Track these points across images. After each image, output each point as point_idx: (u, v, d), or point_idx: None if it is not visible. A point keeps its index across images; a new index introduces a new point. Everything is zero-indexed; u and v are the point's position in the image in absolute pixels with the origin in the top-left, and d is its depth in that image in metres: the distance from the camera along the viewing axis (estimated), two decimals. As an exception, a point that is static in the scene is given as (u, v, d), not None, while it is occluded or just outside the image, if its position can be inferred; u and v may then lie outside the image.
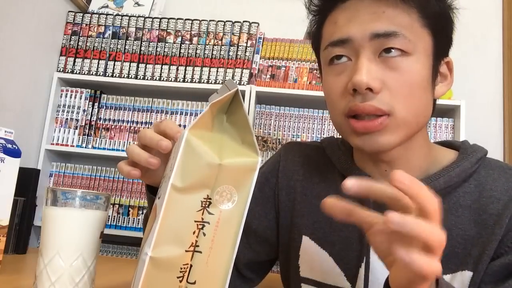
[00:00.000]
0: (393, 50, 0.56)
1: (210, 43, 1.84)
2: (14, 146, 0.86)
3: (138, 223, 1.76)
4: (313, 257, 0.69)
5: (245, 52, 1.81)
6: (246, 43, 1.82)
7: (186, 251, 0.42)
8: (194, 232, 0.42)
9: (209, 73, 1.80)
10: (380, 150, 0.59)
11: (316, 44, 0.67)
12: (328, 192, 0.69)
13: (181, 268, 0.42)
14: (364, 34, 0.57)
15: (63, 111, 1.84)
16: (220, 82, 1.78)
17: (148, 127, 1.93)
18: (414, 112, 0.58)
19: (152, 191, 0.61)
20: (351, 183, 0.42)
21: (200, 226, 0.42)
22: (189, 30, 1.86)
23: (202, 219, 0.42)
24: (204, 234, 0.42)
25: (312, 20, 0.67)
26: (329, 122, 1.73)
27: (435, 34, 0.59)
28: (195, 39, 1.85)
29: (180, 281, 0.42)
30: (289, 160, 0.75)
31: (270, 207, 0.74)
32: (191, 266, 0.42)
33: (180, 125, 1.77)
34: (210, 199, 0.43)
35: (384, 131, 0.57)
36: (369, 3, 0.58)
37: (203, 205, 0.43)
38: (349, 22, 0.58)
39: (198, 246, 0.42)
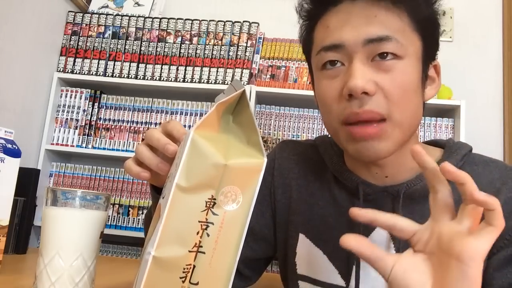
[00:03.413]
0: (386, 55, 0.57)
1: (210, 43, 1.84)
2: (14, 146, 0.86)
3: (138, 223, 1.76)
4: (309, 255, 0.70)
5: (245, 52, 1.81)
6: (246, 43, 1.82)
7: (190, 251, 0.42)
8: (198, 233, 0.42)
9: (209, 73, 1.80)
10: (376, 158, 0.59)
11: (307, 49, 0.66)
12: (322, 191, 0.71)
13: (184, 269, 0.41)
14: (357, 40, 0.57)
15: (63, 111, 1.84)
16: (220, 82, 1.78)
17: (148, 127, 1.93)
18: (409, 115, 0.58)
19: (157, 190, 0.61)
20: (357, 212, 0.47)
21: (204, 227, 0.42)
22: (189, 30, 1.86)
23: (206, 219, 0.42)
24: (208, 235, 0.42)
25: (303, 25, 0.67)
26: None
27: (424, 38, 0.60)
28: (195, 39, 1.85)
29: (183, 282, 0.42)
30: (284, 158, 0.76)
31: (267, 205, 0.75)
32: (194, 266, 0.42)
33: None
34: (214, 199, 0.42)
35: (381, 137, 0.57)
36: (361, 7, 0.58)
37: (208, 205, 0.42)
38: (342, 26, 0.58)
39: (201, 246, 0.42)
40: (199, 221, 0.42)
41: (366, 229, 0.64)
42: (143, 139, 0.55)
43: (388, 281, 0.45)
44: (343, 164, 0.68)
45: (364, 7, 0.58)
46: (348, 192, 0.68)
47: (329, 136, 0.74)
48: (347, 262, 0.66)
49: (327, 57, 0.59)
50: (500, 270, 0.58)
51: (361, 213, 0.47)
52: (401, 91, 0.57)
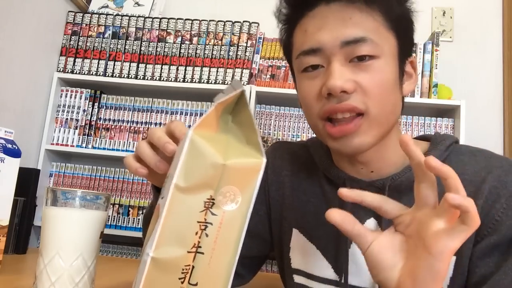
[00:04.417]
0: (363, 57, 0.59)
1: (210, 43, 1.84)
2: (14, 146, 0.86)
3: (138, 223, 1.76)
4: (303, 250, 0.72)
5: (245, 52, 1.81)
6: (246, 43, 1.82)
7: (188, 252, 0.42)
8: (196, 233, 0.42)
9: (209, 73, 1.80)
10: (356, 152, 0.62)
11: (288, 52, 0.68)
12: (313, 188, 0.73)
13: (183, 269, 0.41)
14: (334, 42, 0.59)
15: (63, 111, 1.84)
16: (220, 82, 1.78)
17: (148, 127, 1.93)
18: (386, 110, 0.60)
19: (159, 191, 0.61)
20: (345, 193, 0.50)
21: (202, 227, 0.42)
22: (189, 30, 1.86)
23: (205, 219, 0.42)
24: (207, 235, 0.42)
25: (282, 29, 0.69)
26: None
27: (399, 36, 0.62)
28: (195, 39, 1.85)
29: (182, 283, 0.42)
30: (278, 157, 0.79)
31: (261, 202, 0.77)
32: (193, 267, 0.42)
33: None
34: (213, 199, 0.42)
35: (358, 132, 0.59)
36: (336, 10, 0.60)
37: (206, 205, 0.42)
38: (319, 30, 0.60)
39: (200, 247, 0.42)
40: (197, 222, 0.42)
41: None
42: (145, 137, 0.56)
43: (365, 255, 0.49)
44: (331, 162, 0.71)
45: (339, 10, 0.60)
46: (337, 188, 0.69)
47: None
48: (339, 257, 0.68)
49: (307, 61, 0.62)
50: (482, 259, 0.60)
51: (348, 194, 0.50)
52: (379, 89, 0.59)
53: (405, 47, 0.64)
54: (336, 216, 0.49)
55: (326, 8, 0.60)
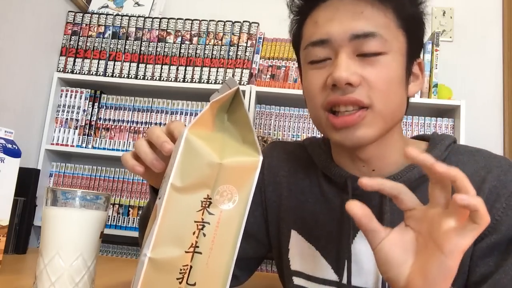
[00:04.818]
0: (371, 53, 0.59)
1: (210, 43, 1.84)
2: (14, 146, 0.86)
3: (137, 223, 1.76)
4: (302, 251, 0.71)
5: (245, 52, 1.81)
6: (246, 43, 1.82)
7: (186, 252, 0.42)
8: (194, 233, 0.42)
9: (209, 73, 1.80)
10: (358, 144, 0.61)
11: (296, 43, 0.68)
12: (312, 188, 0.73)
13: (180, 269, 0.41)
14: (343, 35, 0.59)
15: (63, 111, 1.84)
16: (220, 82, 1.78)
17: (148, 127, 1.93)
18: (391, 106, 0.60)
19: (156, 192, 0.61)
20: (366, 182, 0.48)
21: (200, 227, 0.42)
22: (189, 30, 1.86)
23: (202, 219, 0.42)
24: (204, 235, 0.42)
25: (293, 20, 0.69)
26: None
27: (408, 36, 0.62)
28: (195, 39, 1.85)
29: (180, 283, 0.42)
30: (275, 157, 0.78)
31: (257, 203, 0.76)
32: (191, 267, 0.42)
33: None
34: (210, 199, 0.42)
35: (362, 124, 0.59)
36: (349, 3, 0.60)
37: (203, 205, 0.42)
38: (329, 21, 0.60)
39: (198, 247, 0.42)
40: (195, 221, 0.42)
41: (355, 225, 0.65)
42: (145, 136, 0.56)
43: (374, 251, 0.48)
44: (331, 161, 0.70)
45: (351, 3, 0.60)
46: (337, 187, 0.69)
47: (317, 137, 0.77)
48: (339, 257, 0.67)
49: (314, 53, 0.61)
50: (483, 258, 0.60)
51: (369, 182, 0.49)
52: (385, 84, 0.59)
53: (414, 47, 0.64)
54: (357, 209, 0.48)
55: (339, 1, 0.61)
